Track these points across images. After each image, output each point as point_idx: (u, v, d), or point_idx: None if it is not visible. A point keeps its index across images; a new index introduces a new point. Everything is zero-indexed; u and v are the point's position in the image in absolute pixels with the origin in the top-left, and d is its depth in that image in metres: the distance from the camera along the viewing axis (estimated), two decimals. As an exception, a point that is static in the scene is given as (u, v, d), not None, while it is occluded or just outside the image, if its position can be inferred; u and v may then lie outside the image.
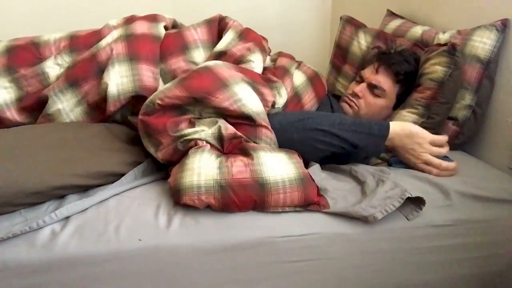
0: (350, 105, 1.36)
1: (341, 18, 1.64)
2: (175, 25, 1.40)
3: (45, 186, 0.91)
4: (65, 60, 1.24)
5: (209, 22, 1.36)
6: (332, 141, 1.09)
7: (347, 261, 0.99)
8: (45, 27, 1.89)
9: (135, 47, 1.23)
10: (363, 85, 1.35)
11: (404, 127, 1.14)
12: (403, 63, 1.32)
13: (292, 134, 1.09)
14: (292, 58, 1.45)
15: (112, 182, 0.99)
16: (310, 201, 0.96)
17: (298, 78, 1.36)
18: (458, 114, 1.30)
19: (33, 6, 1.88)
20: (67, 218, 0.91)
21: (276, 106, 1.20)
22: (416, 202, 0.98)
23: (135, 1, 1.98)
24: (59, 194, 0.95)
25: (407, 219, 0.99)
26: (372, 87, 1.34)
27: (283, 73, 1.32)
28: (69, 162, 0.97)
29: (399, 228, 0.99)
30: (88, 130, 1.13)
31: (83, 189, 0.97)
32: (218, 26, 1.36)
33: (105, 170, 0.99)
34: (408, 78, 1.32)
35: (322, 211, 0.97)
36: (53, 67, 1.22)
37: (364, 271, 1.00)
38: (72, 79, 1.19)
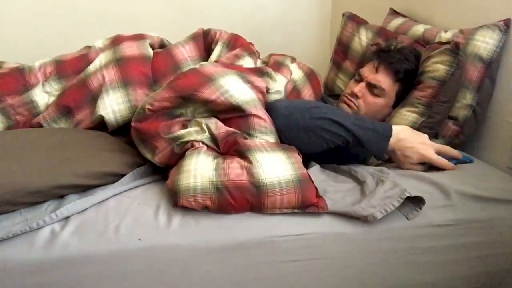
0: (349, 105, 1.35)
1: (343, 15, 1.65)
2: (163, 44, 1.38)
3: (45, 185, 0.91)
4: (54, 87, 1.22)
5: (194, 38, 1.36)
6: (338, 131, 1.07)
7: (347, 261, 0.99)
8: (44, 28, 1.90)
9: (128, 72, 1.21)
10: (362, 84, 1.34)
11: (404, 127, 1.16)
12: (403, 62, 1.31)
13: (298, 120, 1.08)
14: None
15: (112, 183, 1.00)
16: (308, 202, 0.95)
17: (296, 72, 1.34)
18: (459, 113, 1.30)
19: (33, 7, 1.89)
20: (67, 218, 0.91)
21: (272, 91, 1.19)
22: (416, 202, 0.98)
23: (135, 2, 1.98)
24: (59, 193, 0.95)
25: (407, 218, 0.99)
26: (371, 87, 1.33)
27: (277, 65, 1.31)
28: (69, 162, 0.98)
29: (399, 228, 0.99)
30: (88, 132, 1.14)
31: (83, 189, 0.97)
32: (203, 40, 1.36)
33: (105, 170, 0.99)
34: (408, 77, 1.32)
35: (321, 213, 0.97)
36: (42, 95, 1.20)
37: (364, 271, 1.00)
38: (64, 108, 1.17)
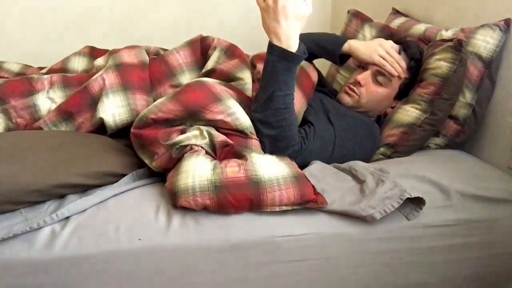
0: (349, 95, 1.34)
1: (348, 12, 1.66)
2: (158, 54, 1.39)
3: (45, 184, 0.91)
4: (57, 94, 1.23)
5: (191, 44, 1.36)
6: (275, 102, 1.06)
7: (347, 261, 0.99)
8: (44, 29, 1.89)
9: (127, 76, 1.23)
10: (367, 73, 1.33)
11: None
12: (416, 48, 1.33)
13: (267, 131, 1.08)
14: None
15: (112, 183, 1.00)
16: (307, 198, 0.96)
17: None
18: (459, 112, 1.30)
19: (33, 7, 1.88)
20: (67, 218, 0.91)
21: None
22: (416, 202, 0.98)
23: (135, 3, 1.98)
24: (59, 193, 0.95)
25: (407, 219, 0.99)
26: (375, 75, 1.33)
27: None
28: (69, 161, 0.98)
29: (399, 228, 0.99)
30: (88, 135, 1.15)
31: (83, 189, 0.98)
32: (200, 46, 1.36)
33: (104, 170, 0.99)
34: (415, 67, 1.32)
35: (320, 209, 0.97)
36: (45, 101, 1.21)
37: (364, 271, 1.00)
38: (65, 113, 1.18)
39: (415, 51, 1.32)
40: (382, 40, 1.35)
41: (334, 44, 1.35)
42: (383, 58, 1.30)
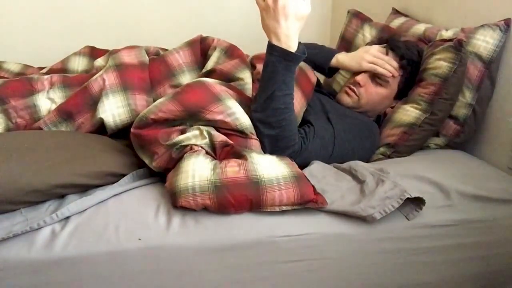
0: (349, 95, 1.35)
1: (348, 12, 1.67)
2: (158, 54, 1.40)
3: (45, 184, 0.91)
4: (57, 94, 1.24)
5: (191, 44, 1.36)
6: (274, 102, 1.06)
7: (347, 261, 0.99)
8: (44, 28, 1.89)
9: (127, 77, 1.23)
10: (366, 73, 1.34)
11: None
12: (407, 48, 1.33)
13: (267, 131, 1.09)
14: None
15: (112, 183, 1.00)
16: (307, 198, 0.96)
17: None
18: (459, 112, 1.30)
19: (33, 6, 1.88)
20: (67, 218, 0.91)
21: None
22: (416, 202, 0.98)
23: (137, 2, 1.98)
24: (59, 193, 0.95)
25: (407, 219, 0.99)
26: (375, 76, 1.33)
27: None
28: (69, 161, 0.98)
29: (399, 228, 0.99)
30: (88, 135, 1.16)
31: (83, 189, 0.98)
32: (200, 46, 1.36)
33: (105, 170, 0.99)
34: (410, 66, 1.32)
35: (320, 209, 0.97)
36: (45, 101, 1.22)
37: (364, 271, 1.00)
38: (65, 113, 1.19)
39: (403, 50, 1.32)
40: (367, 47, 1.38)
41: (323, 58, 1.38)
42: (373, 64, 1.31)
